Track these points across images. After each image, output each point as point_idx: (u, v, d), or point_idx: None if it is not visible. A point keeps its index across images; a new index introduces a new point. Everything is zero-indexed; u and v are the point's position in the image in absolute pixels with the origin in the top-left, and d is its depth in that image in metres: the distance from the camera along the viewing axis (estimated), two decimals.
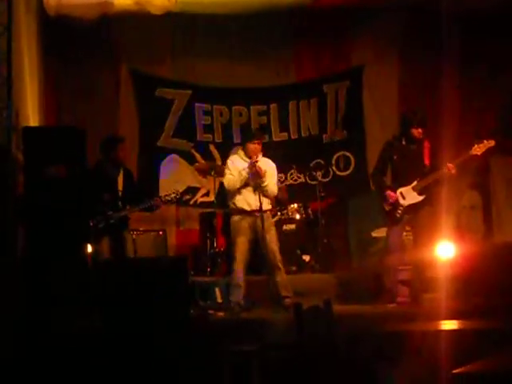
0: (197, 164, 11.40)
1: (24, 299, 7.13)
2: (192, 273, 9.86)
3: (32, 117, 9.07)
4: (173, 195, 9.01)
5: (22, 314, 6.96)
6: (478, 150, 8.26)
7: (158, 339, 6.53)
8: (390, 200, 8.41)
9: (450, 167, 8.22)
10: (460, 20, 10.32)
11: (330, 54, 11.64)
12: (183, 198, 10.69)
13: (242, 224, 8.54)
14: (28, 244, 7.65)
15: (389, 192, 8.44)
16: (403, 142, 8.52)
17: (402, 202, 8.39)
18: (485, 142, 8.28)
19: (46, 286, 7.26)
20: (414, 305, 8.24)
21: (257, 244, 8.54)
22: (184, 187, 11.21)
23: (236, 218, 8.60)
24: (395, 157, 8.53)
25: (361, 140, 11.54)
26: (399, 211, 8.40)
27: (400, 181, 8.49)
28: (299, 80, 11.82)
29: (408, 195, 8.40)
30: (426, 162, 8.44)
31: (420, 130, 8.40)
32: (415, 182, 8.39)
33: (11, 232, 7.54)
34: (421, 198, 8.40)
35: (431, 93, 10.92)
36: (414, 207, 8.42)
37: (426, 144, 8.48)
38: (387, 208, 8.49)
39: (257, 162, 8.47)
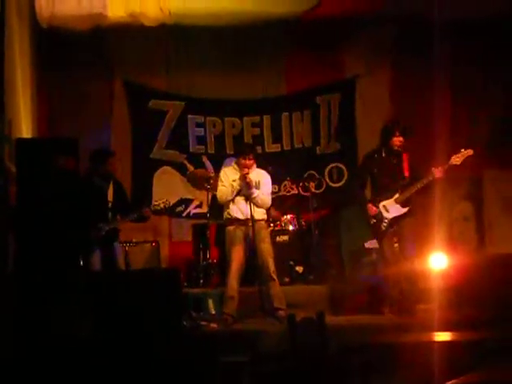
0: (189, 172, 11.38)
1: (16, 308, 7.12)
2: (185, 284, 9.86)
3: (25, 128, 9.07)
4: (162, 204, 9.01)
5: (13, 323, 6.95)
6: (456, 159, 8.28)
7: (150, 351, 6.51)
8: (370, 213, 8.45)
9: (436, 171, 8.24)
10: (451, 30, 10.35)
11: (323, 65, 11.64)
12: (176, 210, 10.69)
13: (236, 234, 8.54)
14: (19, 255, 7.63)
15: (370, 206, 8.48)
16: (383, 155, 8.55)
17: (385, 214, 8.43)
18: (462, 151, 8.30)
19: (38, 298, 7.24)
20: (406, 316, 8.22)
21: (251, 254, 8.55)
22: (177, 199, 11.20)
23: (231, 228, 8.60)
24: (375, 170, 8.56)
25: (353, 152, 11.54)
26: (384, 224, 8.43)
27: (380, 193, 8.51)
28: (292, 92, 11.83)
29: (391, 208, 8.42)
30: (406, 174, 8.47)
31: (401, 139, 8.44)
32: (397, 195, 8.41)
33: (2, 243, 7.53)
34: (405, 209, 8.43)
35: (424, 104, 10.93)
36: (397, 219, 8.44)
37: (405, 156, 8.51)
38: (372, 222, 8.52)
39: (247, 174, 8.49)
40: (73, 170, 7.69)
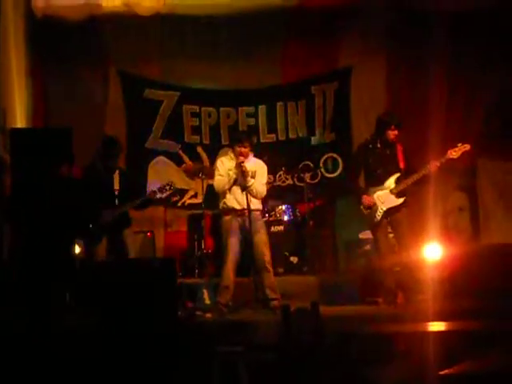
0: (184, 165, 11.39)
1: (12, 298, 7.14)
2: (180, 274, 9.87)
3: (19, 118, 9.07)
4: (167, 186, 9.01)
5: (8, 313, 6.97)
6: (453, 154, 8.31)
7: (145, 340, 6.52)
8: (368, 204, 8.45)
9: (432, 165, 8.26)
10: (446, 20, 10.35)
11: (318, 55, 11.62)
12: (171, 200, 10.70)
13: (232, 224, 8.53)
14: (14, 244, 7.64)
15: (365, 196, 8.48)
16: (378, 145, 8.56)
17: (380, 205, 8.43)
18: (459, 145, 8.33)
19: (34, 286, 7.26)
20: (402, 306, 8.24)
21: (246, 245, 8.54)
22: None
23: (227, 218, 8.58)
24: (370, 160, 8.56)
25: (348, 142, 11.52)
26: (378, 214, 8.44)
27: (375, 184, 8.52)
28: (287, 82, 11.82)
29: (386, 199, 8.43)
30: (401, 165, 8.49)
31: (396, 132, 8.45)
32: (393, 186, 8.42)
33: None
34: (400, 200, 8.44)
35: (419, 93, 10.93)
36: (392, 210, 8.45)
37: (399, 147, 8.53)
38: (366, 212, 8.52)
39: (243, 162, 8.48)
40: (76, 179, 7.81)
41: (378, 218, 8.45)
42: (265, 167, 8.80)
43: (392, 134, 8.45)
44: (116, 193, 8.81)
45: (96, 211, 8.56)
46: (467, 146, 8.32)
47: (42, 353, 6.34)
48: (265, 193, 8.74)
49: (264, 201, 9.10)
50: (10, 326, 6.78)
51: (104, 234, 8.61)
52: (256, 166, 8.67)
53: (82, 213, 8.17)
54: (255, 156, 8.83)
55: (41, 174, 7.64)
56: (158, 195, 9.01)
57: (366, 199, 8.46)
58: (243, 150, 8.56)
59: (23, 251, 7.51)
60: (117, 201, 8.78)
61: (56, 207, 7.65)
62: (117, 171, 8.89)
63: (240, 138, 8.73)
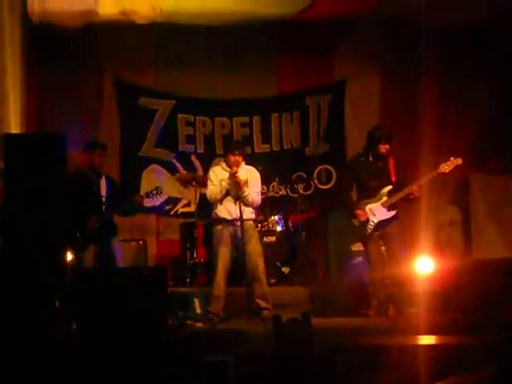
0: (178, 174, 11.38)
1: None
2: (171, 283, 9.84)
3: (14, 123, 9.05)
4: (154, 191, 9.03)
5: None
6: (445, 167, 8.31)
7: (135, 349, 6.51)
8: (362, 218, 8.46)
9: (414, 190, 8.29)
10: (439, 35, 10.37)
11: (313, 67, 11.67)
12: (164, 208, 10.70)
13: (224, 233, 8.52)
14: (6, 251, 7.60)
15: (359, 212, 8.49)
16: (370, 159, 8.59)
17: (372, 218, 8.45)
18: (452, 159, 8.33)
19: (24, 292, 7.22)
20: (393, 319, 8.24)
21: (238, 254, 8.54)
22: (165, 197, 11.21)
23: (218, 227, 8.58)
24: (362, 173, 8.58)
25: (342, 154, 11.55)
26: (370, 227, 8.45)
27: (367, 196, 8.54)
28: (282, 93, 11.85)
29: (378, 211, 8.45)
30: (393, 178, 8.51)
31: (387, 147, 8.47)
32: (384, 199, 8.44)
33: None
34: (392, 213, 8.46)
35: (412, 107, 10.94)
36: (383, 223, 8.46)
37: (391, 160, 8.56)
38: (357, 224, 8.53)
39: (236, 172, 8.47)
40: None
41: (369, 230, 8.47)
42: (257, 174, 8.79)
43: (383, 147, 8.48)
44: (103, 199, 8.83)
45: (82, 217, 8.57)
46: (459, 160, 8.33)
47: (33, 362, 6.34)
48: (259, 201, 8.74)
49: (258, 211, 9.12)
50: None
51: (91, 241, 8.61)
52: (248, 174, 8.67)
53: (69, 219, 8.14)
54: (248, 165, 8.83)
55: (34, 181, 7.58)
56: (146, 200, 9.05)
57: (360, 214, 8.47)
58: (237, 158, 8.56)
59: (15, 259, 7.47)
60: (104, 207, 8.80)
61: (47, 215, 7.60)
62: (103, 177, 8.91)
63: (232, 147, 8.73)
